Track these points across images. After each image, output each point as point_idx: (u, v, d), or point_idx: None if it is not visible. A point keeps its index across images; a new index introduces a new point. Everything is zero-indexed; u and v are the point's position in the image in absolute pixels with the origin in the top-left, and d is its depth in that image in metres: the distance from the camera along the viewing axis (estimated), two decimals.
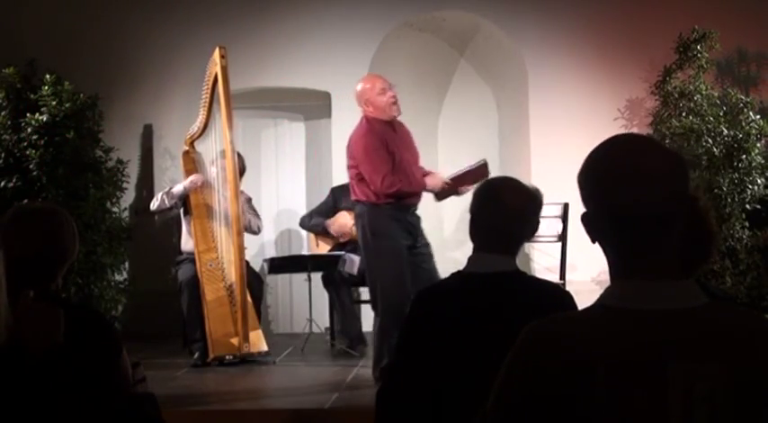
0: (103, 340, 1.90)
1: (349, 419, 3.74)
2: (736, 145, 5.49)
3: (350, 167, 4.46)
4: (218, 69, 5.05)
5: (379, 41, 6.34)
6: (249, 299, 5.12)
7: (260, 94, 6.44)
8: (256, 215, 5.62)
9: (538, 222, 2.21)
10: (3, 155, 5.69)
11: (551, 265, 5.63)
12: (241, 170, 5.33)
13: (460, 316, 2.08)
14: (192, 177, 5.45)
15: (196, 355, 5.06)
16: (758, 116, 5.61)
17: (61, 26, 6.39)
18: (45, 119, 5.65)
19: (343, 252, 5.42)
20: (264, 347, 5.11)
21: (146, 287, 6.13)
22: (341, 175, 5.97)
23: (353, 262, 5.33)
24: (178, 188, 5.45)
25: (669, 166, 1.25)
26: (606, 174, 1.26)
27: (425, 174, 4.58)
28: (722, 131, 5.52)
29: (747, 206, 5.50)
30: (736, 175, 5.47)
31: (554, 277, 5.09)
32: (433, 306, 2.18)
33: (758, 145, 5.54)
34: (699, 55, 5.69)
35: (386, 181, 4.28)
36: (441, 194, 4.59)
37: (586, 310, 1.29)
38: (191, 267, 5.28)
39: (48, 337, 1.63)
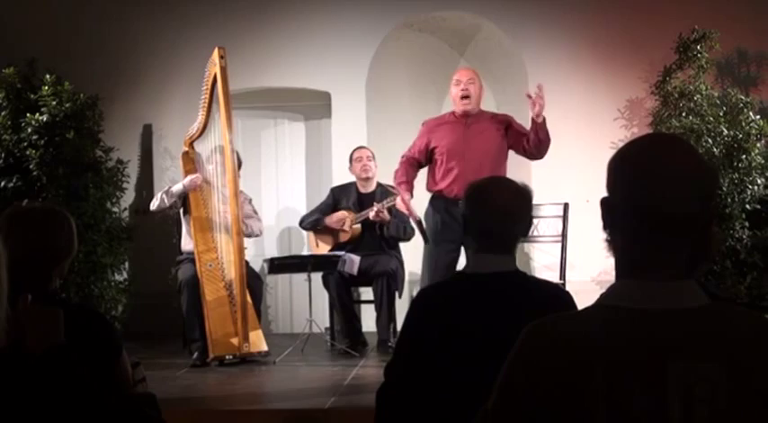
0: (103, 340, 1.90)
1: (349, 419, 3.74)
2: (736, 145, 5.50)
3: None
4: (217, 70, 5.05)
5: (379, 41, 6.34)
6: (249, 299, 5.12)
7: (260, 94, 6.44)
8: (257, 217, 5.62)
9: (531, 218, 2.22)
10: (3, 155, 5.70)
11: (551, 264, 5.63)
12: (237, 164, 5.34)
13: (461, 316, 2.09)
14: (191, 176, 5.44)
15: (195, 355, 5.06)
16: (758, 116, 5.61)
17: (61, 26, 6.39)
18: (45, 119, 5.65)
19: (343, 252, 5.42)
20: (264, 347, 5.11)
21: (146, 287, 6.13)
22: (341, 175, 5.98)
23: (353, 262, 5.33)
24: (177, 187, 5.45)
25: (700, 168, 1.26)
26: (638, 168, 1.26)
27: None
28: (722, 131, 5.52)
29: (747, 206, 5.50)
30: (736, 175, 5.47)
31: (554, 277, 5.09)
32: (434, 306, 2.18)
33: (758, 145, 5.54)
34: (699, 55, 5.69)
35: None
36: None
37: (587, 309, 1.29)
38: (191, 267, 5.28)
39: (47, 337, 1.63)
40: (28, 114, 5.67)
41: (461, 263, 4.75)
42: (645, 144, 1.31)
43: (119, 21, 6.40)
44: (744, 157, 5.48)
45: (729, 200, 5.44)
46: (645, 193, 1.24)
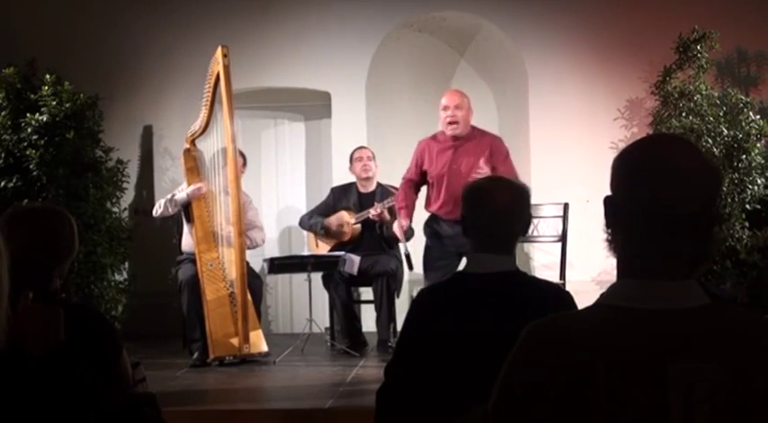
0: (103, 340, 1.90)
1: (349, 419, 3.74)
2: (736, 145, 5.49)
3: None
4: (220, 68, 5.05)
5: (378, 42, 6.34)
6: (249, 299, 5.12)
7: (260, 94, 6.44)
8: (259, 227, 5.61)
9: (529, 217, 2.23)
10: (3, 155, 5.69)
11: (551, 264, 5.63)
12: (243, 162, 5.35)
13: (461, 316, 2.09)
14: (195, 185, 5.44)
15: (196, 355, 5.06)
16: (758, 116, 5.61)
17: (61, 26, 6.39)
18: (45, 119, 5.65)
19: (343, 252, 5.42)
20: (264, 348, 5.11)
21: (146, 287, 6.13)
22: (341, 175, 5.98)
23: (353, 262, 5.33)
24: (181, 196, 5.44)
25: (703, 169, 1.26)
26: (641, 167, 1.27)
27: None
28: (722, 131, 5.52)
29: (747, 206, 5.50)
30: (736, 175, 5.47)
31: (554, 277, 5.09)
32: (434, 306, 2.18)
33: (758, 145, 5.54)
34: (699, 55, 5.69)
35: None
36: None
37: (587, 309, 1.29)
38: (191, 267, 5.29)
39: (48, 336, 1.63)
40: (28, 114, 5.67)
41: (461, 262, 4.77)
42: (648, 144, 1.32)
43: (119, 21, 6.39)
44: (744, 157, 5.48)
45: (729, 200, 5.44)
46: (648, 193, 1.25)
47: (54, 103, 5.69)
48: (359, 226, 5.64)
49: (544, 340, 1.26)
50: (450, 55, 6.62)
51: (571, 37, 6.18)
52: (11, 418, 1.57)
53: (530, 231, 2.28)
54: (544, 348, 1.24)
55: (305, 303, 5.40)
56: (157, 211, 5.51)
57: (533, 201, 2.33)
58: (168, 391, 4.24)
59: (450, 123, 4.81)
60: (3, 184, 5.63)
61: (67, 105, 5.74)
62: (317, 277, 5.46)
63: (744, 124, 5.54)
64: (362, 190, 5.72)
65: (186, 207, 5.46)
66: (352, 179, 5.79)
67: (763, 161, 5.55)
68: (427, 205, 4.97)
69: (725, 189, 5.42)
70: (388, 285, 5.35)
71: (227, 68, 5.04)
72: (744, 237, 5.44)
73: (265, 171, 6.65)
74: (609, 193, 1.31)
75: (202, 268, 5.24)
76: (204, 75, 5.37)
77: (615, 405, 1.17)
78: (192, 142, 5.66)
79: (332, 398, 4.06)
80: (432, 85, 6.51)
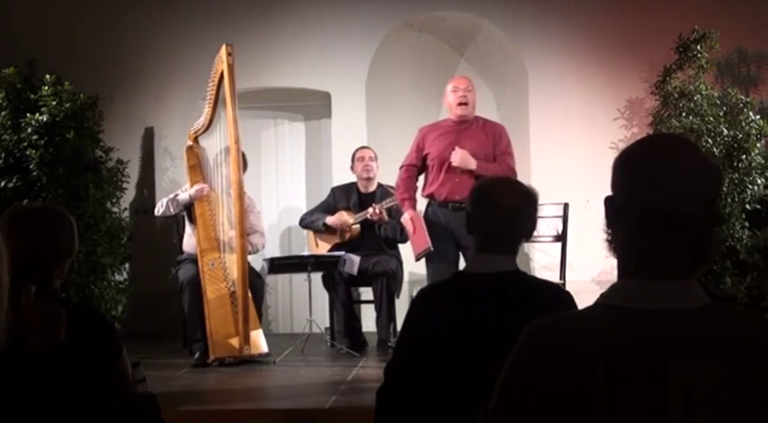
0: (103, 340, 1.90)
1: (349, 419, 3.74)
2: (736, 145, 5.49)
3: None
4: (224, 67, 5.04)
5: (378, 42, 6.34)
6: (250, 299, 5.11)
7: (260, 94, 6.44)
8: (261, 233, 5.60)
9: (535, 221, 2.21)
10: (3, 155, 5.69)
11: (551, 264, 5.63)
12: (244, 165, 5.35)
13: (461, 315, 2.08)
14: (197, 186, 5.44)
15: (197, 355, 5.06)
16: (758, 116, 5.61)
17: (61, 26, 6.39)
18: (45, 119, 5.65)
19: (343, 252, 5.42)
20: (265, 349, 5.10)
21: (146, 287, 6.13)
22: (341, 175, 5.98)
23: (353, 262, 5.33)
24: (184, 196, 5.44)
25: (704, 168, 1.26)
26: (642, 167, 1.26)
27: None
28: (722, 131, 5.52)
29: (747, 206, 5.50)
30: (736, 175, 5.47)
31: (554, 277, 5.09)
32: (434, 305, 2.18)
33: (758, 145, 5.54)
34: (699, 55, 5.69)
35: None
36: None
37: (588, 308, 1.29)
38: (192, 267, 5.28)
39: (49, 335, 1.63)
40: (28, 114, 5.67)
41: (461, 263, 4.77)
42: (648, 144, 1.32)
43: (119, 21, 6.40)
44: (744, 157, 5.48)
45: (729, 200, 5.44)
46: (648, 192, 1.25)
47: (54, 103, 5.69)
48: (358, 226, 5.64)
49: (544, 340, 1.26)
50: (450, 55, 6.62)
51: (571, 37, 6.18)
52: (11, 417, 1.57)
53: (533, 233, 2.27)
54: (544, 348, 1.24)
55: (305, 303, 5.40)
56: (159, 209, 5.51)
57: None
58: (168, 391, 4.24)
59: (460, 104, 4.84)
60: (3, 184, 5.63)
61: (67, 105, 5.73)
62: (317, 277, 5.46)
63: (744, 124, 5.54)
64: (363, 190, 5.72)
65: (189, 207, 5.46)
66: (353, 179, 5.79)
67: (763, 161, 5.55)
68: (424, 188, 4.95)
69: (725, 189, 5.42)
70: (388, 285, 5.35)
71: (231, 67, 5.02)
72: (744, 237, 5.44)
73: (265, 171, 6.65)
74: (609, 193, 1.31)
75: (204, 268, 5.24)
76: (205, 74, 5.37)
77: (615, 405, 1.17)
78: (195, 139, 5.66)
79: (332, 398, 4.06)
80: (432, 85, 6.51)
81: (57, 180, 5.67)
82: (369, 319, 5.75)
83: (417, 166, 4.95)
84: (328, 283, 5.50)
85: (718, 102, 5.70)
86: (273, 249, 6.52)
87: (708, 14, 5.89)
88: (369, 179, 5.68)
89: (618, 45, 6.15)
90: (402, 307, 5.29)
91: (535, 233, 2.26)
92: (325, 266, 5.40)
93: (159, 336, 5.81)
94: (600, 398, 1.18)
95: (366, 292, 5.90)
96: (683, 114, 5.63)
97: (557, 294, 2.16)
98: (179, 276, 5.35)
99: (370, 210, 5.43)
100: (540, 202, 2.24)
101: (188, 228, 5.53)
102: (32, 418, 1.59)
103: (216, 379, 4.75)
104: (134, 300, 6.12)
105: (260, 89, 6.39)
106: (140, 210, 6.35)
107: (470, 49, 6.59)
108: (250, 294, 5.12)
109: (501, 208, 2.14)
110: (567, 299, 2.13)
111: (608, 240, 1.31)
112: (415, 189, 4.99)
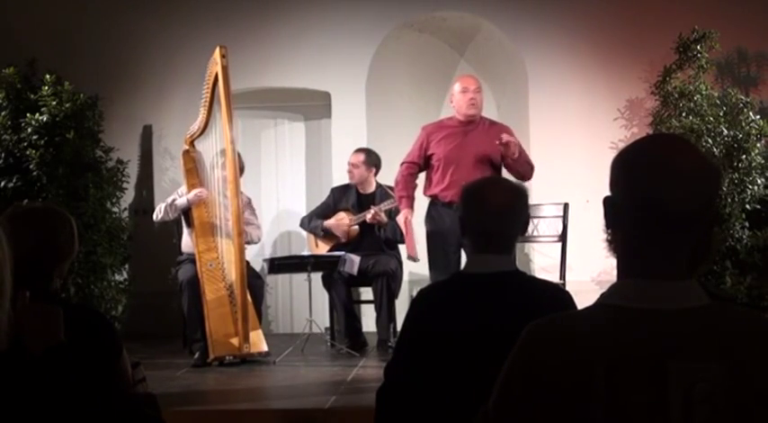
0: (103, 340, 1.90)
1: (349, 419, 3.74)
2: (736, 145, 5.49)
3: None
4: (218, 69, 5.04)
5: (379, 42, 6.34)
6: (249, 299, 5.12)
7: (260, 94, 6.44)
8: (256, 225, 5.60)
9: (528, 217, 2.22)
10: (3, 155, 5.70)
11: (551, 265, 5.63)
12: (240, 169, 5.33)
13: (461, 316, 2.08)
14: (196, 191, 5.44)
15: (197, 355, 5.06)
16: (758, 116, 5.61)
17: (61, 26, 6.39)
18: (45, 119, 5.65)
19: (343, 252, 5.42)
20: (264, 348, 5.10)
21: (146, 287, 6.13)
22: (341, 175, 5.98)
23: (353, 262, 5.33)
24: (182, 201, 5.43)
25: (703, 168, 1.26)
26: (641, 166, 1.26)
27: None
28: (722, 131, 5.52)
29: (747, 206, 5.50)
30: (736, 175, 5.47)
31: (554, 277, 5.09)
32: (433, 305, 2.18)
33: (758, 145, 5.54)
34: (699, 55, 5.69)
35: None
36: None
37: (588, 308, 1.29)
38: (191, 267, 5.28)
39: (47, 336, 1.63)
40: (28, 114, 5.67)
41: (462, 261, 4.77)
42: (648, 143, 1.31)
43: (119, 21, 6.40)
44: (744, 157, 5.48)
45: (729, 200, 5.44)
46: (647, 192, 1.24)
47: (54, 103, 5.69)
48: (357, 227, 5.64)
49: (544, 340, 1.26)
50: (450, 55, 6.62)
51: (571, 37, 6.18)
52: (11, 417, 1.57)
53: (529, 231, 2.28)
54: (544, 348, 1.24)
55: (305, 303, 5.40)
56: (158, 215, 5.49)
57: (533, 201, 2.33)
58: (168, 391, 4.24)
59: (472, 105, 4.85)
60: (3, 184, 5.63)
61: (67, 105, 5.74)
62: (317, 277, 5.46)
63: (744, 124, 5.54)
64: (362, 191, 5.72)
65: (186, 211, 5.46)
66: None
67: (763, 161, 5.55)
68: (427, 189, 4.94)
69: (725, 189, 5.42)
70: (387, 285, 5.35)
71: (225, 69, 5.02)
72: (744, 237, 5.44)
73: (265, 171, 6.65)
74: (609, 193, 1.31)
75: (202, 268, 5.24)
76: (204, 74, 5.37)
77: (615, 405, 1.17)
78: (192, 143, 5.65)
79: (332, 398, 4.06)
80: (432, 86, 6.52)
81: (57, 180, 5.67)
82: (369, 319, 5.75)
83: (419, 164, 4.93)
84: (328, 283, 5.50)
85: (718, 102, 5.70)
86: (273, 249, 6.52)
87: (708, 14, 5.89)
88: (360, 183, 5.69)
89: (618, 45, 6.15)
90: (402, 307, 5.30)
91: (535, 233, 2.26)
92: (325, 266, 5.40)
93: (159, 336, 5.80)
94: (599, 398, 1.18)
95: (366, 292, 5.90)
96: (683, 114, 5.63)
97: (556, 294, 2.16)
98: (178, 276, 5.35)
99: (369, 214, 5.43)
100: (539, 202, 2.24)
101: (185, 228, 5.53)
102: (33, 418, 1.59)
103: (216, 379, 4.75)
104: (134, 300, 6.12)
105: (260, 89, 6.39)
106: (140, 210, 6.35)
107: (470, 50, 6.59)
108: (249, 295, 5.12)
109: (492, 206, 2.14)
110: (567, 299, 2.13)
111: (608, 240, 1.31)
112: (414, 187, 4.98)
